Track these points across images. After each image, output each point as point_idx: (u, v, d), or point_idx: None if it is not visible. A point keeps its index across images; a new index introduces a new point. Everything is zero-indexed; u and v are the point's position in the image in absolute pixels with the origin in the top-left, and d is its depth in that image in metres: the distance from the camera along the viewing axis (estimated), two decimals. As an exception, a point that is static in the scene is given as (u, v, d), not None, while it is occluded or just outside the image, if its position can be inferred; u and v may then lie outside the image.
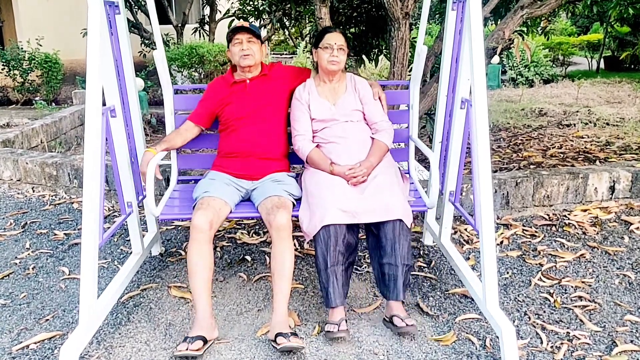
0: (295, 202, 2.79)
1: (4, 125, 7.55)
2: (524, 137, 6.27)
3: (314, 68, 3.12)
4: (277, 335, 2.37)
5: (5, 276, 3.17)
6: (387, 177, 2.73)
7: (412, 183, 3.15)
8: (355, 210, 2.55)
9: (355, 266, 3.05)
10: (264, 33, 11.60)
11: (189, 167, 3.36)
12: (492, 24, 5.84)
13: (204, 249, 2.53)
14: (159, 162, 2.80)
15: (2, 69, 9.25)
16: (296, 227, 3.04)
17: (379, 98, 3.02)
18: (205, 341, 2.38)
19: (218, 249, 3.46)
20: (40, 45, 9.42)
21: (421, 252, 3.39)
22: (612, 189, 4.03)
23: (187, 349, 2.31)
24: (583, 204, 4.01)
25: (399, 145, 3.41)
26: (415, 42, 5.58)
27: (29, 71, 9.29)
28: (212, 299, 2.58)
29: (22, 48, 9.47)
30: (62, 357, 2.13)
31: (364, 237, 2.77)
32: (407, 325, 2.45)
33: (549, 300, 2.81)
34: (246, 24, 2.93)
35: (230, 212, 2.76)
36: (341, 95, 2.97)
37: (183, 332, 2.56)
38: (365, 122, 2.96)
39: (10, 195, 4.59)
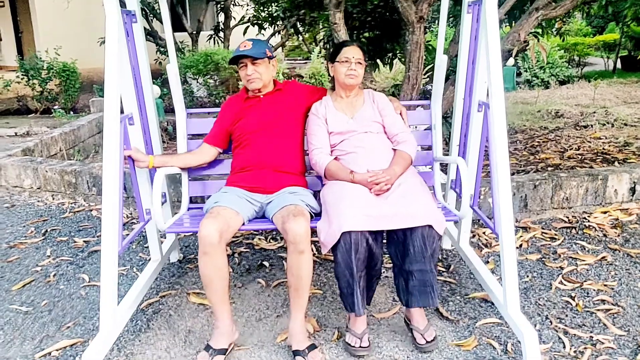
0: (313, 215, 2.64)
1: (24, 134, 7.67)
2: (540, 139, 6.22)
3: (330, 88, 3.04)
4: (295, 353, 2.37)
5: (27, 284, 3.20)
6: (413, 184, 2.58)
7: (439, 203, 3.02)
8: (379, 216, 2.38)
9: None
10: (277, 39, 11.64)
11: (200, 194, 3.19)
12: (506, 26, 5.81)
13: (216, 262, 2.36)
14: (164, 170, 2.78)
15: (22, 79, 9.38)
16: (313, 232, 3.03)
17: (400, 113, 2.95)
18: (225, 352, 2.39)
19: (236, 255, 3.47)
20: (58, 55, 9.54)
21: (440, 256, 3.36)
22: (632, 190, 3.98)
23: None
24: (603, 206, 3.96)
25: (425, 167, 3.24)
26: (430, 45, 5.59)
27: (47, 80, 9.41)
28: (231, 305, 2.56)
29: (40, 58, 9.60)
30: (83, 364, 2.15)
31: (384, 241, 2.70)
32: (427, 342, 2.40)
33: (571, 304, 2.78)
34: (249, 47, 2.78)
35: (243, 224, 2.60)
36: (359, 109, 2.87)
37: (203, 338, 2.57)
38: (385, 135, 2.84)
39: (30, 203, 4.64)
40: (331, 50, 3.37)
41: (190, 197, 3.14)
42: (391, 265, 2.90)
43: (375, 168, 2.64)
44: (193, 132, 3.18)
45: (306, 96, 2.99)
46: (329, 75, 2.96)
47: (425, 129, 3.29)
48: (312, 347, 2.38)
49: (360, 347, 2.39)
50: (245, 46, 2.80)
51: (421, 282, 2.38)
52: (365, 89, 3.01)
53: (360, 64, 2.81)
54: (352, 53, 2.80)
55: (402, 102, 3.14)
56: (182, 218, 2.93)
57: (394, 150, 2.78)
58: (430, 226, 2.38)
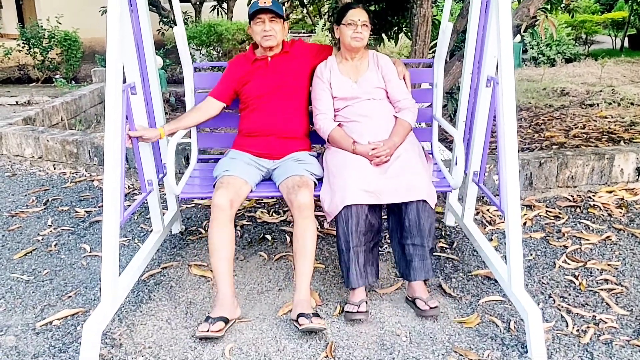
0: (317, 182, 2.75)
1: (25, 103, 7.62)
2: (545, 117, 6.16)
3: (335, 45, 3.05)
4: (298, 315, 2.35)
5: (29, 253, 3.19)
6: (411, 157, 2.67)
7: (436, 164, 3.09)
8: (378, 190, 2.51)
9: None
10: (281, 11, 11.49)
11: (209, 147, 3.33)
12: (513, 2, 5.70)
13: (225, 228, 2.50)
14: (178, 140, 2.80)
15: (23, 47, 9.28)
16: (317, 206, 3.01)
17: (404, 77, 2.95)
18: (226, 322, 2.38)
19: (238, 227, 3.45)
20: (60, 24, 9.43)
21: (443, 233, 3.35)
22: (638, 170, 3.94)
23: (208, 330, 2.31)
24: (608, 185, 3.93)
25: (421, 124, 3.34)
26: (437, 20, 5.50)
27: (48, 49, 9.32)
28: (233, 278, 2.56)
29: (41, 26, 9.48)
30: (84, 334, 2.13)
31: (385, 217, 2.73)
32: (430, 308, 2.44)
33: (574, 283, 2.76)
34: (269, 3, 2.83)
35: (251, 191, 2.73)
36: (363, 72, 2.91)
37: (204, 310, 2.57)
38: (388, 100, 2.90)
39: (32, 173, 4.62)
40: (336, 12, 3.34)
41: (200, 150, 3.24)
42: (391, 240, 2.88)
43: (377, 138, 2.72)
44: (200, 86, 3.22)
45: (312, 57, 3.02)
46: (334, 39, 2.96)
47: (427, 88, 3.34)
48: (316, 314, 2.38)
49: (357, 311, 2.45)
50: (265, 2, 2.83)
51: (413, 256, 2.52)
52: (370, 49, 3.00)
53: (366, 26, 2.83)
54: (358, 15, 2.81)
55: (405, 60, 3.16)
56: (193, 178, 3.02)
57: (395, 117, 2.84)
58: (424, 200, 2.51)
